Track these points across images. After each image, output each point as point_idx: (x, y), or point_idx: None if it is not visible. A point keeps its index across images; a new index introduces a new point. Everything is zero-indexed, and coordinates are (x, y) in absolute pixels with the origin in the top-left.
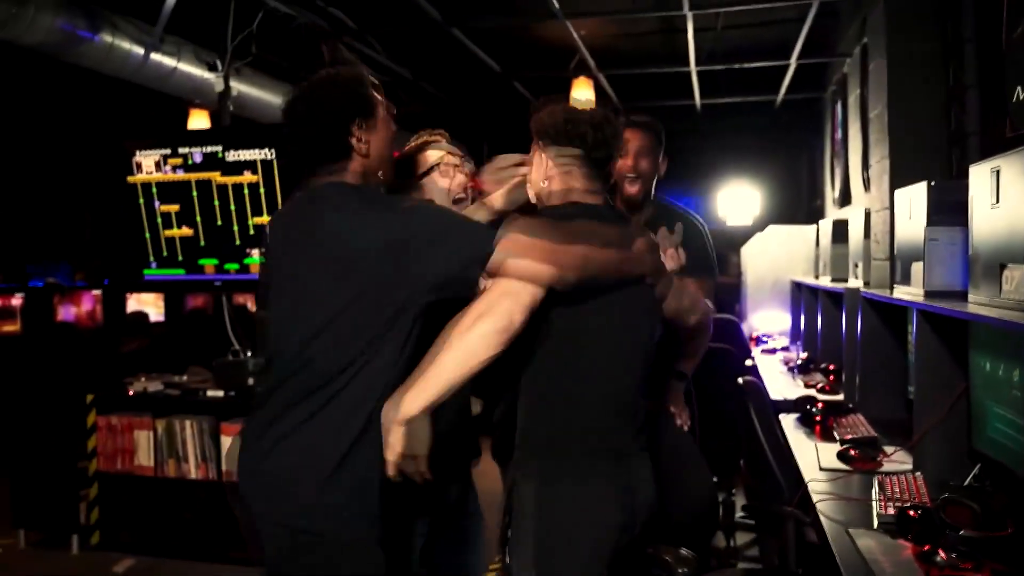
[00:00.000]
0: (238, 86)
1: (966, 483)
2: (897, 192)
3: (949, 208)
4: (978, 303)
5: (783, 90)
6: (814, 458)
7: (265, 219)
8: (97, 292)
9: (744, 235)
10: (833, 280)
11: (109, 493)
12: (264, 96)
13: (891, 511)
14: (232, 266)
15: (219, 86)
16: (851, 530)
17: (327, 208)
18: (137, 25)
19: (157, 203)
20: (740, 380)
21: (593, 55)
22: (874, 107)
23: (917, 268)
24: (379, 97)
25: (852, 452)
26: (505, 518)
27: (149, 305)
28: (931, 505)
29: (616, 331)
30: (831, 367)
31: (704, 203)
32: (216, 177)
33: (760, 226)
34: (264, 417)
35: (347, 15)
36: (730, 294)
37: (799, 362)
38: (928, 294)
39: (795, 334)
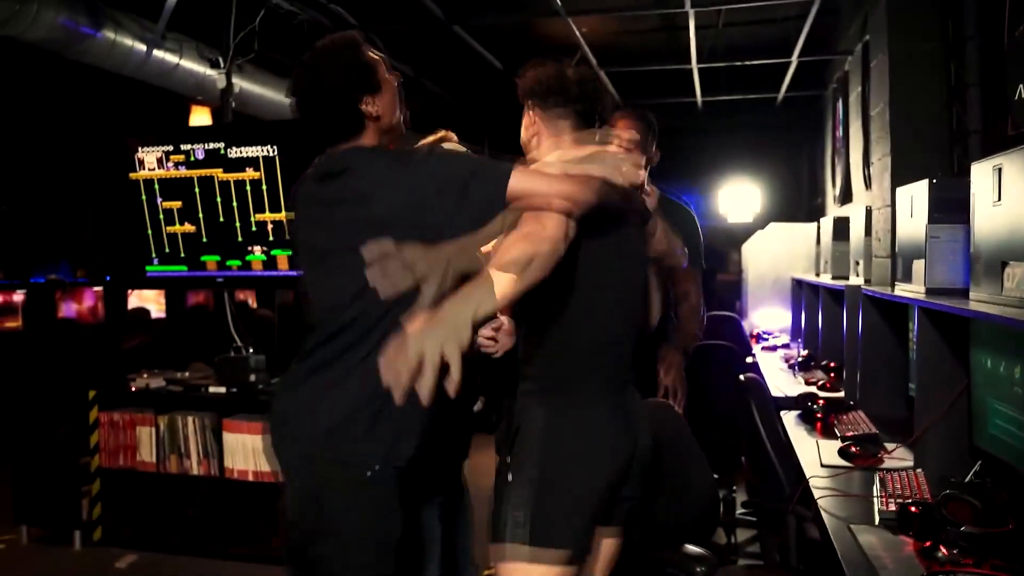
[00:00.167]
0: (240, 83)
1: (967, 480)
2: (899, 190)
3: (950, 206)
4: (979, 300)
5: (784, 87)
6: (815, 455)
7: (267, 216)
8: (98, 288)
9: (745, 232)
10: (834, 277)
11: (111, 489)
12: (266, 93)
13: (892, 507)
14: (234, 263)
15: (221, 83)
16: (852, 526)
17: (350, 174)
18: (139, 22)
19: (159, 200)
20: (741, 377)
21: (595, 52)
22: (875, 105)
23: (918, 265)
24: (376, 57)
25: (853, 449)
26: (511, 436)
27: (150, 301)
28: (932, 501)
29: (615, 266)
30: (832, 364)
31: (705, 200)
32: (218, 174)
33: (761, 223)
34: (301, 371)
35: (349, 12)
36: (731, 291)
37: (800, 359)
38: (929, 291)
39: (796, 331)
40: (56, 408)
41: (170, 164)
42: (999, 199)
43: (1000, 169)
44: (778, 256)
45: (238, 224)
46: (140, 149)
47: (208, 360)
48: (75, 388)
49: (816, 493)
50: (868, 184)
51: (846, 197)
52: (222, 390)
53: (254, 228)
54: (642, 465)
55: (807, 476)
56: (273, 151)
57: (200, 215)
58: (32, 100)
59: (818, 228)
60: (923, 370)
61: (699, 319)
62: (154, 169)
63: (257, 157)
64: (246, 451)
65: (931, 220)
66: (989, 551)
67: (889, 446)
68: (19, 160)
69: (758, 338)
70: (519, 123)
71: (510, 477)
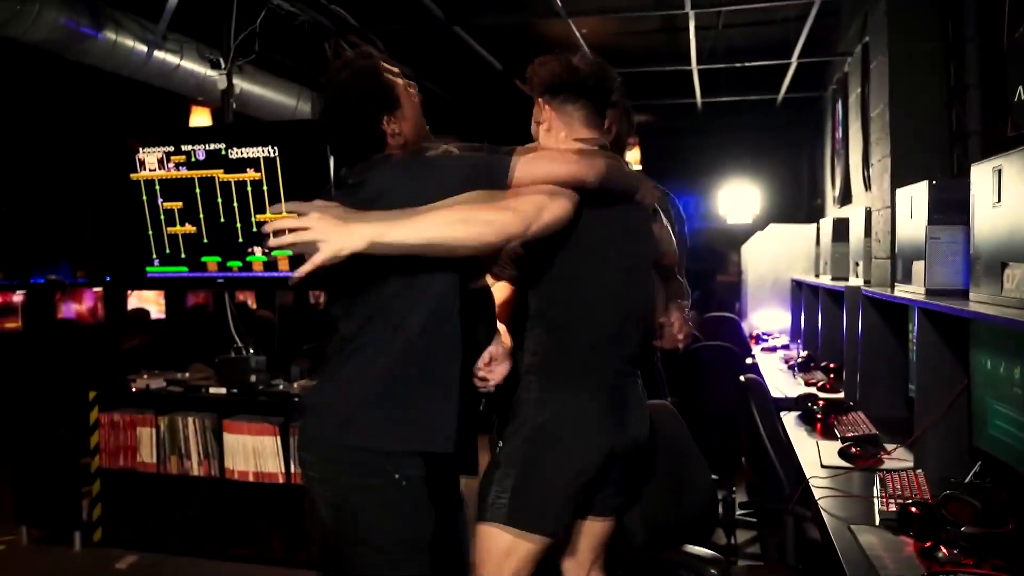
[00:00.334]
0: (241, 84)
1: (967, 480)
2: (898, 191)
3: (950, 207)
4: (979, 301)
5: (784, 89)
6: (815, 455)
7: (268, 216)
8: (98, 289)
9: (744, 233)
10: (834, 278)
11: (111, 490)
12: (267, 94)
13: (893, 508)
14: (235, 264)
15: (222, 83)
16: (853, 526)
17: (363, 185)
18: (140, 22)
19: (160, 200)
20: (742, 378)
21: (595, 53)
22: (875, 106)
23: (918, 266)
24: (398, 81)
25: (853, 449)
26: (509, 414)
27: (150, 302)
28: (932, 502)
29: (620, 262)
30: (831, 365)
31: (705, 201)
32: (219, 174)
33: (760, 224)
34: (335, 366)
35: (350, 13)
36: (730, 292)
37: (799, 360)
38: (929, 292)
39: (795, 332)
40: (56, 409)
41: (171, 165)
42: (999, 200)
43: (1000, 170)
44: (778, 257)
45: (239, 225)
46: (141, 150)
47: (208, 361)
48: (75, 389)
49: (816, 493)
50: (868, 185)
51: (846, 198)
52: (222, 391)
53: (255, 229)
54: (624, 459)
55: (807, 477)
56: (274, 152)
57: (201, 216)
58: (33, 101)
59: (818, 229)
60: (923, 371)
61: (685, 291)
62: (155, 170)
63: (258, 158)
64: (246, 452)
65: (931, 221)
66: (989, 551)
67: (889, 447)
68: (19, 160)
69: (758, 339)
70: (519, 123)
71: (500, 461)
